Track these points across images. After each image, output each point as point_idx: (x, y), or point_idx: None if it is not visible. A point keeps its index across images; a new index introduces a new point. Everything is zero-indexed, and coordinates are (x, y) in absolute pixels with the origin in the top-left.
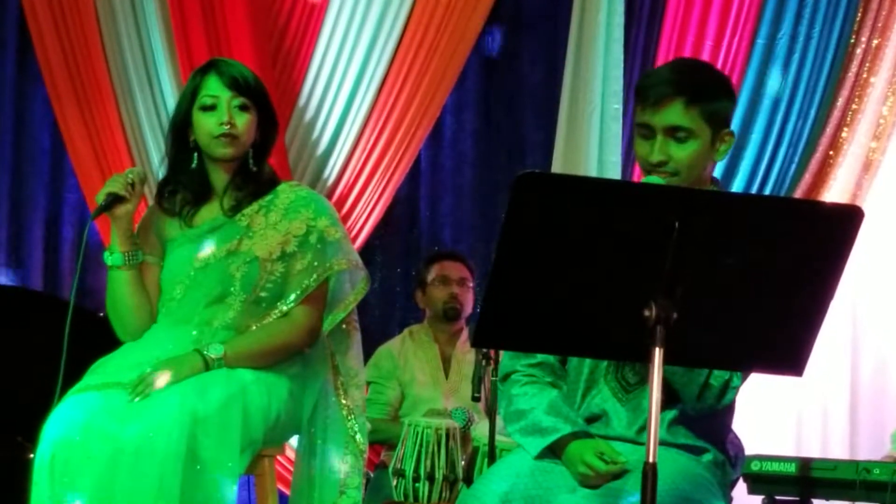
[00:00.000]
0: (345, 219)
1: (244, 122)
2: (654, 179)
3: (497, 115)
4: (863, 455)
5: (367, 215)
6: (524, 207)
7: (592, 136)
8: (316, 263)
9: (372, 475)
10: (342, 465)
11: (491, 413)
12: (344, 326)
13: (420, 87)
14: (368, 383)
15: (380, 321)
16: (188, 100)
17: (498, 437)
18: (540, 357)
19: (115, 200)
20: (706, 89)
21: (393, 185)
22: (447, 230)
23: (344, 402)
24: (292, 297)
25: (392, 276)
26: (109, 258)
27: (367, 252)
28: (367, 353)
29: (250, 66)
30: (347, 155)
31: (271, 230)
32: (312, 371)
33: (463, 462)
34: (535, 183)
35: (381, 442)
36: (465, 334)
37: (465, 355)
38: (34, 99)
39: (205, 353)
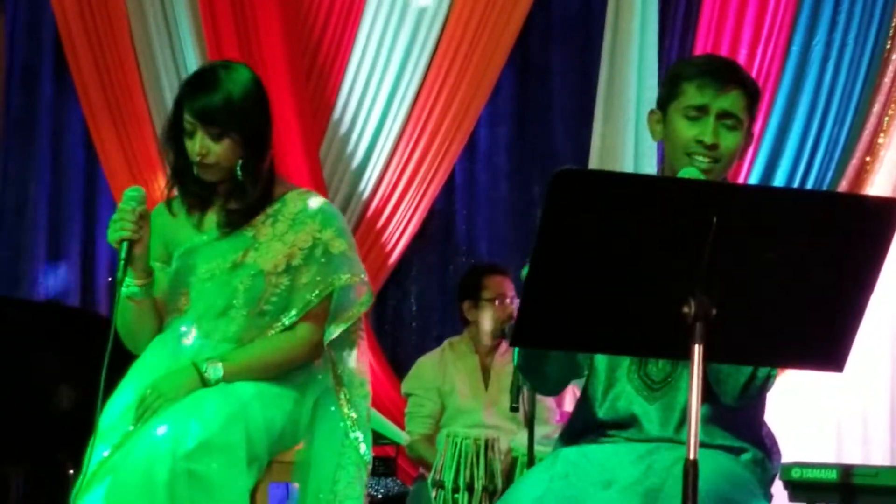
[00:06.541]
0: (380, 232)
1: (218, 151)
2: (692, 172)
3: (531, 127)
4: None
5: (402, 228)
6: (561, 204)
7: (627, 147)
8: (318, 278)
9: (411, 488)
10: (341, 475)
11: (530, 423)
12: (348, 336)
13: (454, 99)
14: (408, 396)
15: (417, 334)
16: (176, 112)
17: (536, 447)
18: None
19: (131, 246)
20: (755, 85)
21: (428, 198)
22: (483, 243)
23: (346, 411)
24: (294, 311)
25: (428, 289)
26: (126, 290)
27: (402, 265)
28: (405, 365)
29: (284, 82)
30: (382, 168)
31: (277, 241)
32: (313, 379)
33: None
34: (572, 180)
35: (416, 461)
36: (504, 345)
37: (504, 367)
38: (71, 117)
39: (203, 371)
